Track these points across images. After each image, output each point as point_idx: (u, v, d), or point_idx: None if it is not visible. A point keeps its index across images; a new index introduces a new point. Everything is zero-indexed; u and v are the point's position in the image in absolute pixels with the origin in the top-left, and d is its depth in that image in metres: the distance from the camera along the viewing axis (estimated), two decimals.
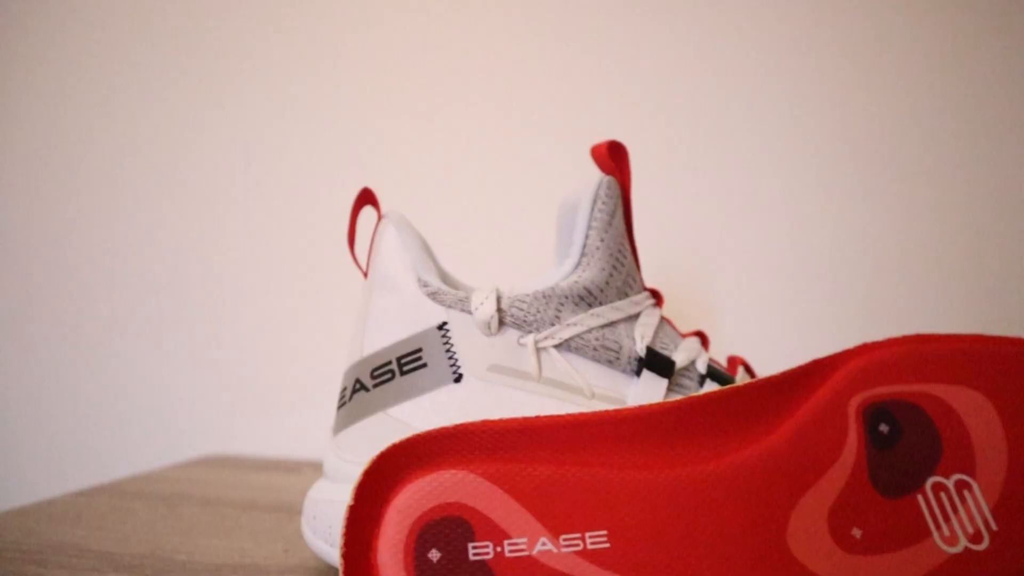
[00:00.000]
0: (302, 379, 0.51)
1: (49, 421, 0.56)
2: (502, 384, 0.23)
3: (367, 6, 0.52)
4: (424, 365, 0.24)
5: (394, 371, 0.24)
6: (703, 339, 0.28)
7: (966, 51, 0.44)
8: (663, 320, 0.27)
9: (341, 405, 0.26)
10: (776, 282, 0.46)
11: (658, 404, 0.21)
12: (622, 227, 0.26)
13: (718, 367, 0.27)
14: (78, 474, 0.55)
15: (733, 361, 0.29)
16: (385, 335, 0.25)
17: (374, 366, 0.25)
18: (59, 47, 0.58)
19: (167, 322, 0.54)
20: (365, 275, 0.27)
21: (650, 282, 0.46)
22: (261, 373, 0.52)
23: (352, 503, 0.19)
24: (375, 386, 0.25)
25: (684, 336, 0.27)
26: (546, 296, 0.24)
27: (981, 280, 0.43)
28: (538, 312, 0.24)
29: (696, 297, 0.47)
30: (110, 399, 0.55)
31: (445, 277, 0.29)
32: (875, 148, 0.45)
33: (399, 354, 0.24)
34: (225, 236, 0.54)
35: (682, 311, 0.47)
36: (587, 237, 0.25)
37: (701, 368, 0.25)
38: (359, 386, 0.25)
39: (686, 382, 0.25)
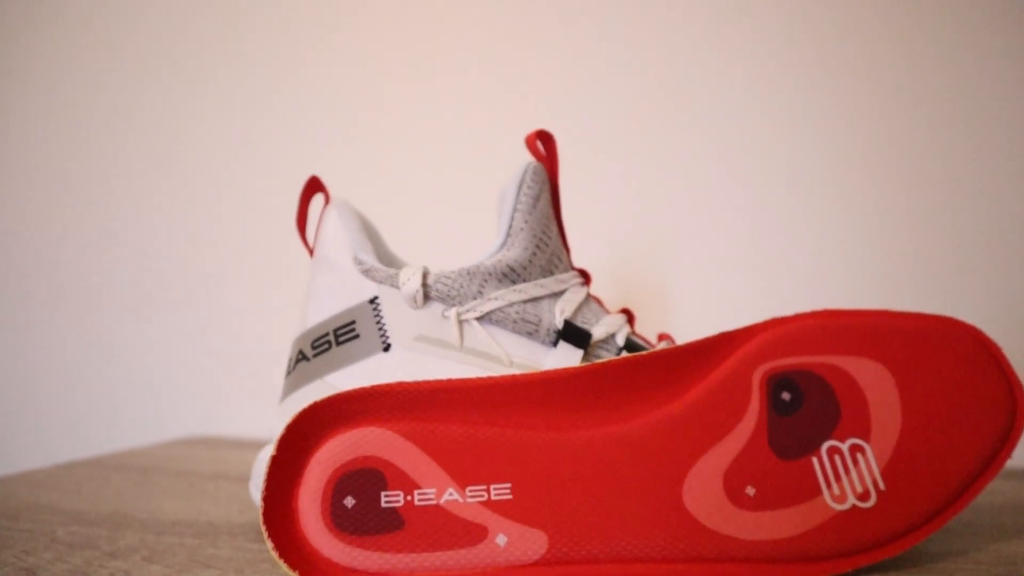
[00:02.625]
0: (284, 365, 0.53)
1: (45, 409, 0.59)
2: (427, 353, 0.25)
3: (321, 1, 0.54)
4: (357, 336, 0.26)
5: (331, 342, 0.26)
6: (629, 316, 0.30)
7: (935, 44, 0.45)
8: (590, 298, 0.29)
9: (287, 374, 0.28)
10: (745, 274, 0.47)
11: (565, 369, 0.23)
12: (548, 210, 0.28)
13: (641, 342, 0.28)
14: (69, 455, 0.58)
15: (661, 338, 0.30)
16: (324, 309, 0.27)
17: (314, 337, 0.27)
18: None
19: (159, 314, 0.57)
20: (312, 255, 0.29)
21: (615, 267, 0.48)
22: (246, 360, 0.54)
23: (275, 453, 0.21)
24: (315, 356, 0.27)
25: (610, 313, 0.29)
26: (470, 273, 0.26)
27: (950, 269, 0.44)
28: (462, 287, 0.26)
29: (664, 286, 0.48)
30: (101, 386, 0.57)
31: (392, 259, 0.32)
32: (846, 139, 0.46)
33: (336, 326, 0.26)
34: (218, 232, 0.56)
35: (650, 301, 0.48)
36: (512, 219, 0.27)
37: (620, 341, 0.27)
38: (301, 356, 0.27)
39: (603, 354, 0.27)
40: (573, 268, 0.29)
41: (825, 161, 0.46)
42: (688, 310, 0.47)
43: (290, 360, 0.28)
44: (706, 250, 0.47)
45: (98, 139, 0.60)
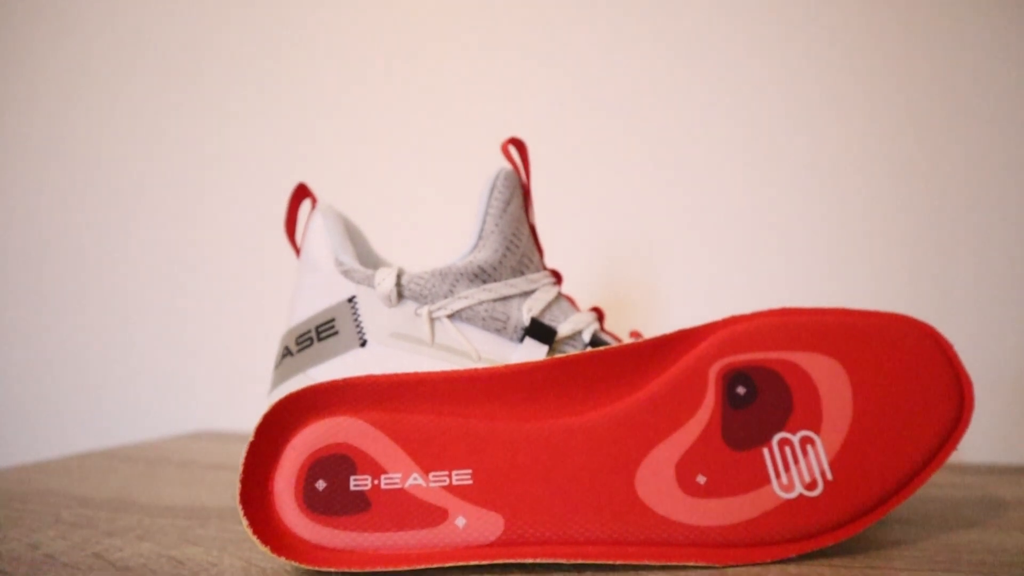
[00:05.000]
0: None
1: (63, 406, 0.62)
2: (401, 348, 0.27)
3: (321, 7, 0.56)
4: (336, 333, 0.28)
5: (313, 338, 0.28)
6: (599, 315, 0.31)
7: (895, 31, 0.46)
8: (561, 297, 0.30)
9: (275, 368, 0.30)
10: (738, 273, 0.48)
11: (527, 363, 0.25)
12: (519, 213, 0.29)
13: (610, 339, 0.30)
14: (85, 448, 0.61)
15: (633, 336, 0.32)
16: (308, 307, 0.29)
17: (298, 334, 0.29)
18: None
19: (173, 315, 0.59)
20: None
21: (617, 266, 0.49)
22: (255, 357, 0.57)
23: (253, 440, 0.23)
24: (298, 351, 0.28)
25: (580, 312, 0.30)
26: (442, 273, 0.28)
27: (931, 263, 0.45)
28: (434, 287, 0.27)
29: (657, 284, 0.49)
30: (117, 383, 0.60)
31: (378, 261, 0.33)
32: (831, 138, 0.47)
33: (317, 323, 0.28)
34: (228, 236, 0.59)
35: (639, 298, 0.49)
36: (484, 222, 0.29)
37: (586, 338, 0.29)
38: (287, 351, 0.29)
39: (568, 350, 0.28)
40: (545, 268, 0.30)
41: (810, 160, 0.47)
42: (674, 308, 0.48)
43: (278, 355, 0.30)
44: (692, 249, 0.49)
45: (108, 140, 0.62)
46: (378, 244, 0.50)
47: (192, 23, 0.60)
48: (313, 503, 0.23)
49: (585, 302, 0.50)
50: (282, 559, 0.22)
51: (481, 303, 0.27)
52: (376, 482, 0.23)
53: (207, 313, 0.59)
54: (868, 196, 0.46)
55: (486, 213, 0.29)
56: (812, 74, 0.47)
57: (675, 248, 0.49)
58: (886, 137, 0.46)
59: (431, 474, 0.24)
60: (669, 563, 0.23)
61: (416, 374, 0.24)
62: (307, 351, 0.28)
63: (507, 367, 0.24)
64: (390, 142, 0.55)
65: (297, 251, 0.32)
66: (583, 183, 0.50)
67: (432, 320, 0.27)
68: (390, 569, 0.22)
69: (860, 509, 0.24)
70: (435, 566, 0.22)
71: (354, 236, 0.32)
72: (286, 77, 0.58)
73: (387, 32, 0.56)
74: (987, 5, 0.44)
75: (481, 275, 0.28)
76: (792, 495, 0.24)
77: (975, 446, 0.43)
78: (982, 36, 0.44)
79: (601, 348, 0.25)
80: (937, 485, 0.35)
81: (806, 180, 0.47)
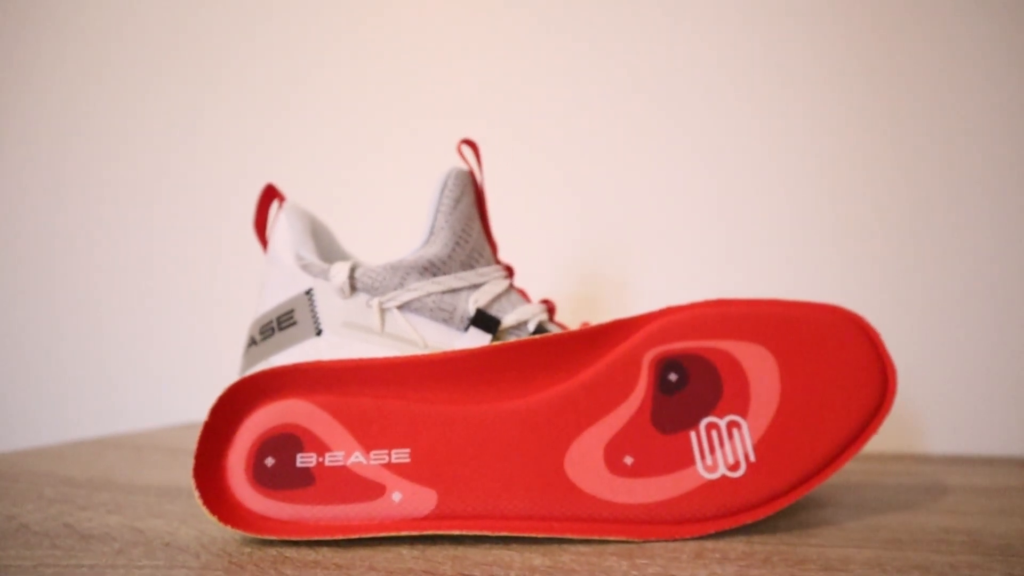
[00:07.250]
0: None
1: (64, 396, 0.65)
2: (353, 337, 0.29)
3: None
4: (295, 323, 0.30)
5: (274, 328, 0.30)
6: (549, 307, 0.32)
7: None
8: (512, 290, 0.32)
9: (243, 356, 0.32)
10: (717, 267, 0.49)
11: (466, 349, 0.26)
12: (469, 210, 0.31)
13: (556, 329, 0.31)
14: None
15: (582, 326, 0.33)
16: (272, 299, 0.31)
17: (262, 324, 0.31)
18: None
19: (175, 313, 0.62)
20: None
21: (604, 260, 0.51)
22: None
23: (207, 420, 0.25)
24: (262, 340, 0.30)
25: (531, 303, 0.32)
26: (394, 267, 0.29)
27: (920, 260, 0.46)
28: (385, 280, 0.29)
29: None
30: (115, 376, 0.63)
31: (343, 256, 0.35)
32: (812, 136, 0.48)
33: (279, 314, 0.30)
34: (221, 231, 0.61)
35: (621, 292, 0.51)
36: (435, 219, 0.30)
37: (531, 327, 0.30)
38: (252, 341, 0.31)
39: (512, 339, 0.30)
40: (498, 263, 0.32)
41: (778, 156, 0.48)
42: (641, 303, 0.50)
43: (245, 344, 0.32)
44: (667, 247, 0.50)
45: (100, 137, 0.65)
46: (347, 240, 0.52)
47: (158, 22, 0.63)
48: (262, 478, 0.25)
49: (557, 297, 0.51)
50: (230, 528, 0.23)
51: (429, 295, 0.29)
52: (321, 459, 0.25)
53: (206, 312, 0.61)
54: (837, 191, 0.47)
55: (437, 210, 0.30)
56: (784, 69, 0.48)
57: (645, 244, 0.50)
58: (854, 133, 0.47)
59: (372, 452, 0.25)
60: (591, 537, 0.24)
61: (361, 360, 0.26)
62: (269, 340, 0.30)
63: (446, 353, 0.26)
64: (361, 142, 0.57)
65: (261, 242, 0.34)
66: (553, 181, 0.52)
67: (382, 310, 0.29)
68: (329, 538, 0.24)
69: (779, 490, 0.25)
70: (370, 536, 0.24)
71: (319, 232, 0.33)
72: (267, 77, 0.60)
73: (375, 32, 0.58)
74: (975, 9, 0.45)
75: (431, 268, 0.30)
76: (715, 476, 0.26)
77: (941, 438, 0.44)
78: (961, 35, 0.45)
79: (538, 336, 0.27)
80: (890, 473, 0.36)
81: (773, 176, 0.48)
